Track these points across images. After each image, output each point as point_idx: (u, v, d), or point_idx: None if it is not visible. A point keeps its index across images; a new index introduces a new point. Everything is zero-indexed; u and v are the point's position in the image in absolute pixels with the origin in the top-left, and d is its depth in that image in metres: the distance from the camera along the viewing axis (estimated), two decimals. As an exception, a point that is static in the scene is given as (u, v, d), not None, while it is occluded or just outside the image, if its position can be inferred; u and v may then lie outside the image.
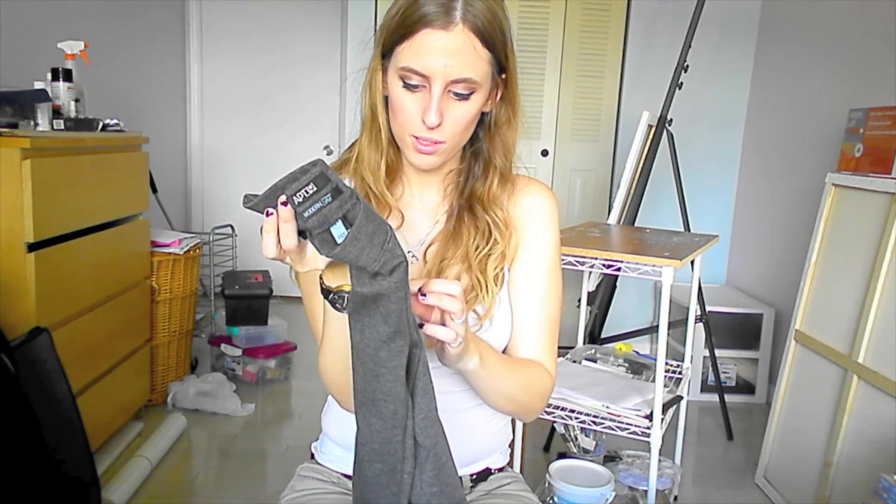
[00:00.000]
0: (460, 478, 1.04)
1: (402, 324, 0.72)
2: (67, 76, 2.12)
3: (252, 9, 4.17)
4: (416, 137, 0.90)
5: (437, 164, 0.94)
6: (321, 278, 0.78)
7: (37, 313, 1.80)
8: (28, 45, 2.48)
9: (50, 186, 1.86)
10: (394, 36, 0.88)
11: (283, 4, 4.18)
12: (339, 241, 0.66)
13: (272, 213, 0.68)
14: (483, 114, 0.96)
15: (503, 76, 0.93)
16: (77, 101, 2.16)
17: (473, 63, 0.86)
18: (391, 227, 0.70)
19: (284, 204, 0.67)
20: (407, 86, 0.87)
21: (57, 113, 2.05)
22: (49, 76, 2.12)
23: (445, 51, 0.84)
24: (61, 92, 2.10)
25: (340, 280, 0.76)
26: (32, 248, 1.80)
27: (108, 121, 2.27)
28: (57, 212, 1.91)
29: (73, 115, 2.13)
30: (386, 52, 0.90)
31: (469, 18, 0.84)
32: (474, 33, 0.85)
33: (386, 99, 0.93)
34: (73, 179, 2.01)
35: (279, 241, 0.70)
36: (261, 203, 0.68)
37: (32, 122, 1.93)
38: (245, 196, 0.70)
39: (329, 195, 0.65)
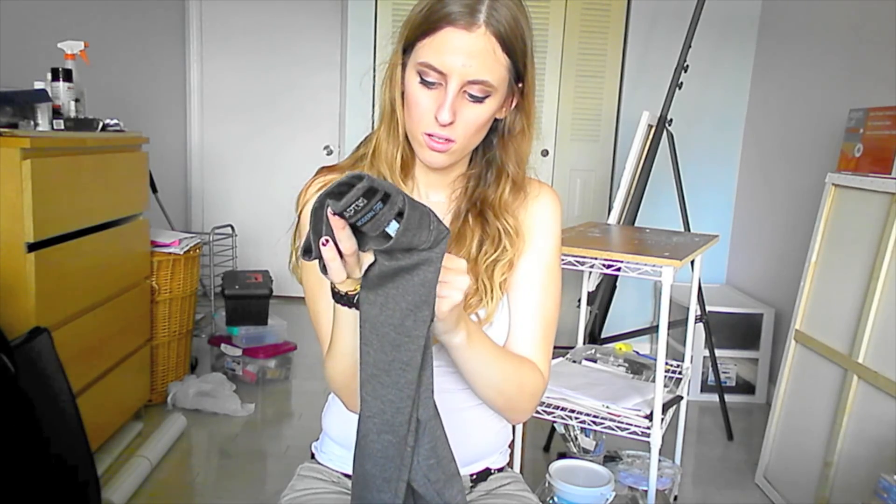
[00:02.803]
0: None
1: (433, 294, 0.74)
2: (67, 76, 2.12)
3: (252, 9, 4.17)
4: (429, 135, 0.90)
5: (446, 163, 0.94)
6: (333, 287, 0.78)
7: (37, 313, 1.80)
8: (28, 45, 2.48)
9: (50, 186, 1.86)
10: (416, 31, 0.88)
11: (283, 4, 4.18)
12: (392, 235, 0.69)
13: (327, 241, 0.69)
14: (497, 120, 0.96)
15: (520, 85, 0.94)
16: (77, 101, 2.16)
17: (491, 67, 0.87)
18: (429, 207, 0.71)
19: (334, 214, 0.67)
20: (424, 82, 0.88)
21: (57, 113, 2.05)
22: (49, 76, 2.12)
23: (465, 51, 0.85)
24: (61, 92, 2.10)
25: (355, 283, 0.77)
26: (32, 248, 1.80)
27: (108, 121, 2.27)
28: (57, 212, 1.91)
29: (73, 115, 2.13)
30: (407, 47, 0.91)
31: (492, 23, 0.85)
32: (496, 37, 0.86)
33: (403, 94, 0.94)
34: (73, 179, 2.01)
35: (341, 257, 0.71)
36: (316, 241, 0.70)
37: (32, 122, 1.93)
38: (302, 254, 0.72)
39: (380, 202, 0.67)
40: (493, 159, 1.00)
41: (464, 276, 0.78)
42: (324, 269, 0.72)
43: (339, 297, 0.78)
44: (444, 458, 0.79)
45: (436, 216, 0.71)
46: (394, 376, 0.74)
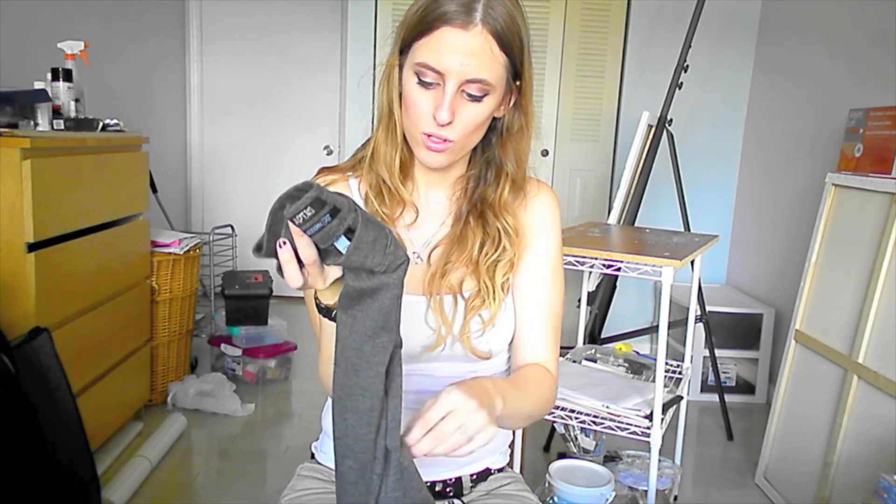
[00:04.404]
0: (460, 478, 1.05)
1: (391, 321, 0.72)
2: (67, 76, 2.12)
3: (252, 9, 4.17)
4: (427, 135, 0.90)
5: (445, 163, 0.94)
6: (316, 297, 0.79)
7: (37, 313, 1.80)
8: (28, 45, 2.48)
9: (50, 186, 1.86)
10: (413, 32, 0.88)
11: (283, 4, 4.18)
12: (343, 251, 0.68)
13: (285, 243, 0.69)
14: (495, 119, 0.96)
15: (518, 83, 0.93)
16: (77, 101, 2.16)
17: (489, 65, 0.86)
18: (391, 231, 0.70)
19: (291, 221, 0.67)
20: (422, 82, 0.88)
21: (57, 113, 2.05)
22: (49, 76, 2.11)
23: (462, 50, 0.85)
24: (61, 92, 2.10)
25: (335, 296, 0.77)
26: (32, 248, 1.80)
27: (108, 121, 2.27)
28: (57, 212, 1.91)
29: (73, 115, 2.12)
30: (404, 48, 0.91)
31: (489, 21, 0.85)
32: (492, 36, 0.86)
33: (401, 95, 0.94)
34: (73, 179, 2.01)
35: (300, 266, 0.70)
36: (271, 241, 0.70)
37: (32, 122, 1.93)
38: (254, 250, 0.72)
39: (328, 215, 0.66)
40: (492, 158, 1.00)
41: (479, 415, 0.75)
42: (280, 271, 0.71)
43: (320, 309, 0.79)
44: (412, 489, 0.78)
45: (395, 240, 0.70)
46: (354, 401, 0.73)
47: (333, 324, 0.78)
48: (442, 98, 0.87)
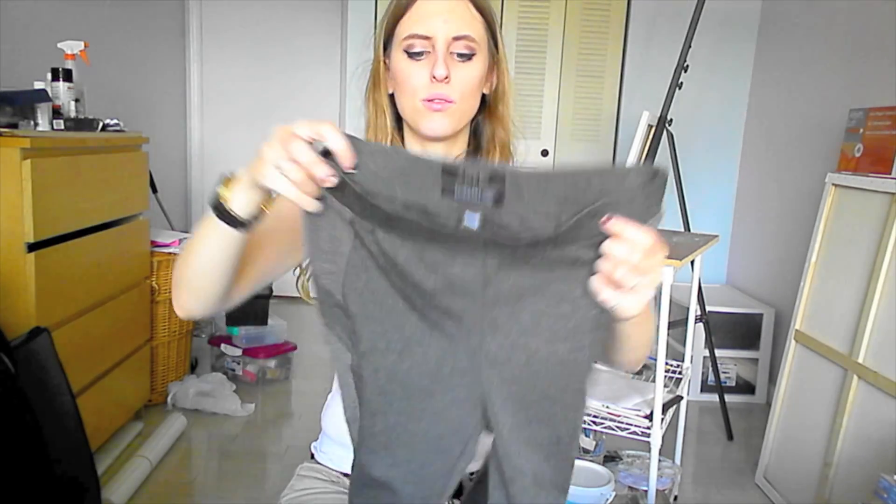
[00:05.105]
0: (460, 478, 1.04)
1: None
2: (67, 76, 2.12)
3: (252, 9, 4.17)
4: (428, 100, 0.92)
5: (448, 128, 0.95)
6: (224, 202, 0.78)
7: (37, 313, 1.80)
8: (28, 45, 2.48)
9: (50, 186, 1.86)
10: (393, 18, 0.94)
11: (283, 4, 4.18)
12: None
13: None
14: (483, 96, 0.99)
15: (497, 54, 0.98)
16: (77, 101, 2.16)
17: (470, 22, 0.93)
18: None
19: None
20: (412, 55, 0.92)
21: (57, 113, 2.05)
22: (49, 76, 2.12)
23: (442, 12, 0.91)
24: (61, 92, 2.10)
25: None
26: (32, 248, 1.80)
27: (108, 121, 2.27)
28: (57, 212, 1.91)
29: (73, 115, 2.13)
30: (387, 40, 0.95)
31: None
32: None
33: (391, 97, 0.97)
34: (73, 179, 2.01)
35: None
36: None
37: (32, 122, 1.93)
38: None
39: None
40: (481, 132, 1.03)
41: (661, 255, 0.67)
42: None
43: (226, 216, 0.78)
44: None
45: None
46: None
47: (227, 232, 0.78)
48: (435, 58, 0.91)
